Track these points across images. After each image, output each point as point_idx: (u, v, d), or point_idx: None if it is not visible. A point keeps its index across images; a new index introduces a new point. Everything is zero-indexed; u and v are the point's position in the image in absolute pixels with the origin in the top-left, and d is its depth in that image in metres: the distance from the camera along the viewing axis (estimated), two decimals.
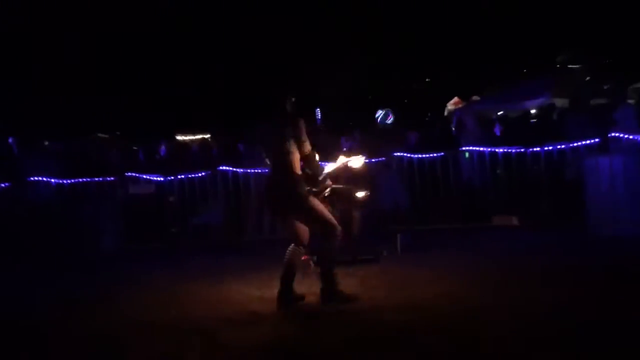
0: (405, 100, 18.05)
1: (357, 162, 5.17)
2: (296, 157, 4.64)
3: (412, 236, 7.45)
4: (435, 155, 9.09)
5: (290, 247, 4.81)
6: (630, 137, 7.89)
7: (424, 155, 9.13)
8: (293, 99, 4.84)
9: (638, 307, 4.16)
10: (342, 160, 5.13)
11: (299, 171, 4.65)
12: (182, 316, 4.64)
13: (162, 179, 9.27)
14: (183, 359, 3.64)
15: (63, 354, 3.94)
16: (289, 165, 4.61)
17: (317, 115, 5.12)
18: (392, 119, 10.22)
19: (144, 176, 9.26)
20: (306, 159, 4.70)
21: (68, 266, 7.55)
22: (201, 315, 4.62)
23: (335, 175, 5.12)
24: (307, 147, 4.68)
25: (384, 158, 9.25)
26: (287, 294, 4.72)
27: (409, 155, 9.23)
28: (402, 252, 6.95)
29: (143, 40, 15.65)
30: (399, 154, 9.23)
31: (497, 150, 8.91)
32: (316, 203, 4.69)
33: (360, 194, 5.49)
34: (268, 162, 4.83)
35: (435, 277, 5.49)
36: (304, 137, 4.66)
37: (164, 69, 16.16)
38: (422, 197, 9.01)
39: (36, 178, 8.65)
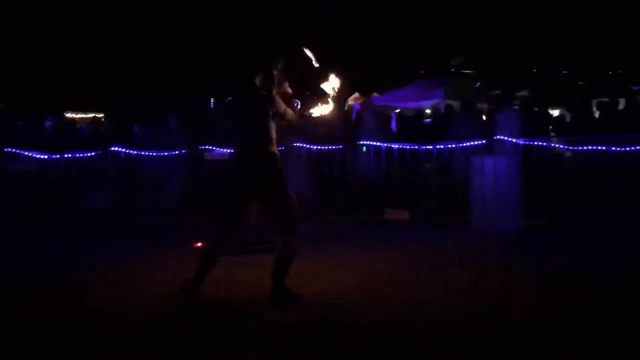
0: (308, 93, 18.20)
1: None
2: (274, 133, 4.44)
3: (311, 227, 7.53)
4: (334, 147, 9.22)
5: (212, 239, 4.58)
6: (513, 140, 8.45)
7: (323, 147, 9.23)
8: (267, 72, 4.58)
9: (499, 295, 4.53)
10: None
11: (276, 150, 4.47)
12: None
13: (46, 156, 8.66)
14: None
15: None
16: (271, 144, 4.40)
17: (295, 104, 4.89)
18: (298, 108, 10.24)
19: (26, 153, 8.61)
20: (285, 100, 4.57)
21: None
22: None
23: None
24: (289, 114, 4.57)
25: (283, 147, 9.24)
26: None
27: (308, 145, 9.29)
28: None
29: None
30: (298, 144, 9.26)
31: (392, 146, 9.19)
32: (292, 195, 4.48)
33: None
34: (238, 139, 4.53)
35: (328, 268, 5.60)
36: (282, 107, 4.51)
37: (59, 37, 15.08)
38: (321, 189, 9.12)
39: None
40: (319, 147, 9.22)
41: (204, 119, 9.93)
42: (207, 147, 9.10)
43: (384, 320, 3.99)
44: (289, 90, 4.77)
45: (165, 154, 9.05)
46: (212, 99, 11.43)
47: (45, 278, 5.39)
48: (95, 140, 9.19)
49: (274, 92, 4.52)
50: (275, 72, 4.62)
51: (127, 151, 8.94)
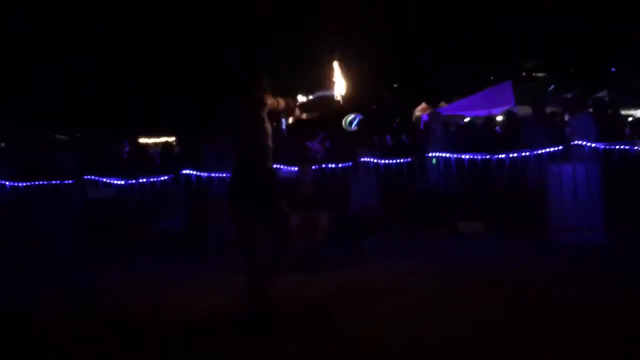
0: (374, 106, 18.07)
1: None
2: (267, 148, 4.31)
3: (379, 242, 7.40)
4: (402, 160, 9.06)
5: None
6: (592, 145, 7.99)
7: (391, 161, 9.09)
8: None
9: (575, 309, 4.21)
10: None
11: (270, 165, 4.35)
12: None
13: (122, 182, 9.01)
14: None
15: None
16: (265, 163, 4.29)
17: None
18: (359, 124, 10.15)
19: (104, 179, 8.98)
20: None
21: (19, 269, 7.31)
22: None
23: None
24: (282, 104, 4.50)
25: (351, 163, 9.18)
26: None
27: (376, 160, 9.18)
28: (369, 258, 6.88)
29: (105, 39, 15.29)
30: (366, 159, 9.17)
31: (463, 156, 8.92)
32: (287, 213, 4.37)
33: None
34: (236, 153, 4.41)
35: (401, 285, 5.45)
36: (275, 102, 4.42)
37: (129, 69, 15.80)
38: (390, 203, 8.96)
39: None
40: (387, 161, 9.09)
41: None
42: (275, 166, 9.17)
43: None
44: (303, 116, 4.74)
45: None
46: (283, 119, 11.48)
47: (118, 295, 5.53)
48: (168, 164, 9.45)
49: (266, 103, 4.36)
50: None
51: (198, 174, 9.14)
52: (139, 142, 13.16)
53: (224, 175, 9.14)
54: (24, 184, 8.51)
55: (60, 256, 8.18)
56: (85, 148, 9.86)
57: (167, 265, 7.26)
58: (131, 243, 8.69)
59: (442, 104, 14.89)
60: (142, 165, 9.44)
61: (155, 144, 13.38)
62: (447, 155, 9.00)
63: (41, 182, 8.53)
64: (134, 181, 9.02)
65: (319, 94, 4.91)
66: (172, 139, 13.73)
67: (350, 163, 9.20)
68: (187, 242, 8.75)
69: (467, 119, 12.60)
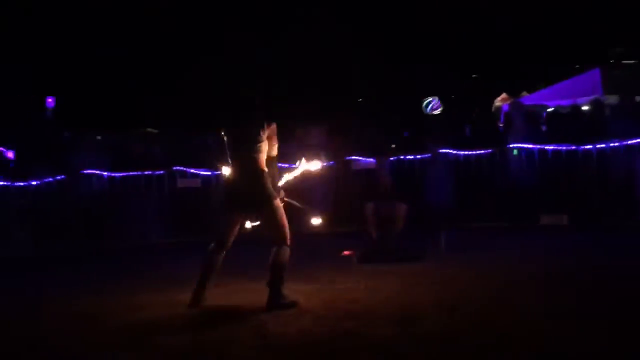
0: (452, 96, 17.78)
1: (314, 165, 5.14)
2: (264, 156, 4.64)
3: (457, 234, 7.37)
4: (482, 152, 8.95)
5: (210, 247, 4.73)
6: None
7: (470, 152, 9.00)
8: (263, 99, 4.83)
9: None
10: (302, 166, 5.07)
11: (266, 169, 4.65)
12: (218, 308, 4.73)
13: (209, 173, 9.44)
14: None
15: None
16: (259, 163, 4.59)
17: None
18: (440, 108, 10.07)
19: (191, 170, 9.45)
20: (269, 163, 4.71)
21: (114, 257, 7.83)
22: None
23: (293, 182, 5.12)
24: (275, 150, 4.75)
25: (429, 154, 9.16)
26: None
27: (455, 152, 9.11)
28: (446, 250, 6.87)
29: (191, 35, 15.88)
30: (444, 150, 9.12)
31: (546, 147, 8.70)
32: (280, 206, 4.65)
33: (316, 221, 5.29)
34: (229, 159, 4.75)
35: (477, 278, 5.43)
36: (275, 139, 4.71)
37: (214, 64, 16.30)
38: (468, 195, 8.88)
39: (89, 171, 8.95)
40: (466, 153, 9.01)
41: (348, 130, 10.15)
42: (353, 157, 9.33)
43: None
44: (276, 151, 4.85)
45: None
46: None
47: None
48: None
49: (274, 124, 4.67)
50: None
51: (283, 165, 9.41)
52: (222, 135, 13.66)
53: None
54: (120, 175, 9.09)
55: (152, 243, 8.71)
56: (174, 141, 10.37)
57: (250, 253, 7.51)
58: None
59: (524, 93, 14.43)
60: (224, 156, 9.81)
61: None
62: (530, 146, 8.81)
63: (135, 173, 9.09)
64: (218, 172, 9.41)
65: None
66: None
67: (429, 155, 9.19)
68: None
69: (550, 109, 12.19)
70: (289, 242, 4.64)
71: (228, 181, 4.90)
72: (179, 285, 5.24)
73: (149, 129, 13.49)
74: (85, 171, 8.94)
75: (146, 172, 9.23)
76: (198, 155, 9.90)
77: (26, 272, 7.10)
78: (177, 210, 9.22)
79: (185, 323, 4.29)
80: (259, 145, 4.62)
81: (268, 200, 4.58)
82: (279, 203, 4.67)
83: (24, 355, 3.79)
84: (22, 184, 8.63)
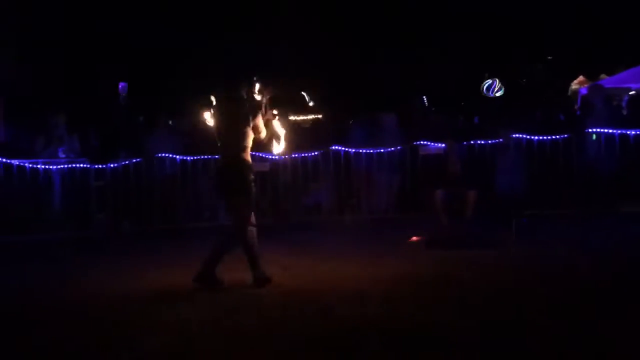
0: (524, 80, 17.15)
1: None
2: (249, 141, 4.82)
3: (530, 222, 7.12)
4: (558, 137, 8.58)
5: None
6: None
7: (545, 137, 8.65)
8: (253, 82, 4.99)
9: None
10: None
11: (249, 158, 4.85)
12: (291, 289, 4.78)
13: (276, 157, 9.52)
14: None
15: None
16: (243, 150, 4.78)
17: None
18: (501, 90, 9.73)
19: (259, 154, 9.56)
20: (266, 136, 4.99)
21: (186, 237, 8.07)
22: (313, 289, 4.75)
23: None
24: (263, 134, 4.95)
25: (501, 139, 8.87)
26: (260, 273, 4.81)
27: (528, 136, 8.78)
28: (518, 238, 6.66)
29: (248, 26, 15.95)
30: (517, 135, 8.81)
31: (628, 132, 8.24)
32: (251, 200, 4.84)
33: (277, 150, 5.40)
34: (219, 143, 4.93)
35: (545, 267, 5.23)
36: (261, 124, 4.89)
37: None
38: (542, 181, 8.54)
39: (163, 154, 9.23)
40: (540, 138, 8.67)
41: (419, 115, 9.99)
42: (421, 142, 9.18)
43: None
44: (274, 115, 5.08)
45: (382, 150, 9.34)
46: (424, 97, 11.42)
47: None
48: (318, 141, 9.81)
49: (259, 115, 4.86)
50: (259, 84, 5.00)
51: (346, 150, 9.40)
52: (290, 119, 13.76)
53: (371, 151, 9.34)
54: (191, 158, 9.32)
55: (222, 224, 8.90)
56: None
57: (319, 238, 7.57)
58: (284, 216, 9.22)
59: (603, 76, 13.71)
60: (293, 141, 9.87)
61: (304, 121, 13.89)
62: (610, 131, 8.37)
63: (205, 157, 9.28)
64: (286, 156, 9.50)
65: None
66: (319, 116, 14.18)
67: (500, 140, 8.90)
68: (336, 215, 9.08)
69: (632, 92, 11.53)
70: (246, 233, 4.80)
71: (219, 166, 5.11)
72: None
73: None
74: (159, 154, 9.21)
75: (216, 156, 9.39)
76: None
77: (102, 251, 7.42)
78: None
79: (253, 303, 4.37)
80: (245, 130, 4.77)
81: (247, 190, 4.79)
82: (251, 196, 4.85)
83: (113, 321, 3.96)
84: (101, 166, 9.01)
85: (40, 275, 5.97)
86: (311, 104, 4.86)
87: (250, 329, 3.75)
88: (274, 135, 5.17)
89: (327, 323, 3.80)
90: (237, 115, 4.85)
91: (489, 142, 8.97)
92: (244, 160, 4.83)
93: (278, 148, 5.33)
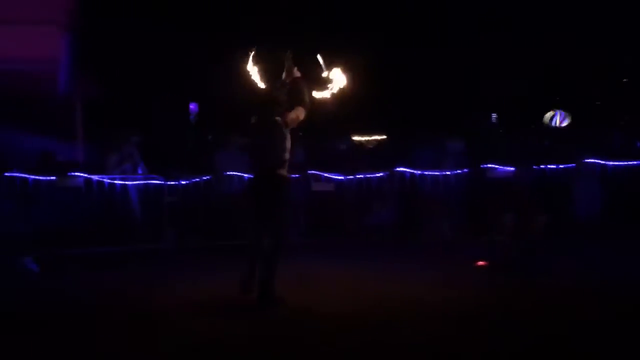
0: (598, 103, 16.53)
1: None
2: (286, 155, 4.84)
3: (602, 250, 6.84)
4: (635, 162, 8.24)
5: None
6: None
7: (621, 163, 8.31)
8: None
9: None
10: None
11: (285, 172, 4.86)
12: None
13: (341, 177, 9.63)
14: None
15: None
16: (280, 164, 4.82)
17: None
18: (566, 121, 9.44)
19: (325, 174, 9.69)
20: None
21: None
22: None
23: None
24: (302, 116, 4.96)
25: (574, 164, 8.60)
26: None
27: (603, 162, 8.47)
28: (587, 267, 6.39)
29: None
30: (591, 160, 8.51)
31: None
32: (287, 215, 4.91)
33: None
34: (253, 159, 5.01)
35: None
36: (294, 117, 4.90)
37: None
38: (622, 208, 8.14)
39: (231, 172, 9.49)
40: (616, 163, 8.35)
41: (486, 137, 9.86)
42: (489, 165, 9.04)
43: None
44: (298, 74, 4.97)
45: (448, 173, 9.26)
46: (493, 115, 11.25)
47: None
48: (382, 162, 9.85)
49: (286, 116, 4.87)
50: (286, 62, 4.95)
51: (411, 171, 9.39)
52: (354, 140, 13.85)
53: (437, 173, 9.27)
54: None
55: (288, 242, 9.03)
56: (309, 145, 10.68)
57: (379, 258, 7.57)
58: (346, 235, 9.27)
59: None
60: (358, 162, 9.97)
61: (368, 142, 13.96)
62: None
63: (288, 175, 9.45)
64: (352, 177, 9.58)
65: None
66: (382, 137, 14.21)
67: (573, 165, 8.65)
68: (400, 236, 9.04)
69: None
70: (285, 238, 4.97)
71: (250, 184, 5.33)
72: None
73: None
74: (227, 172, 9.48)
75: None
76: (332, 161, 10.15)
77: (171, 263, 7.77)
78: (311, 212, 9.52)
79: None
80: (283, 144, 4.82)
81: (278, 206, 4.82)
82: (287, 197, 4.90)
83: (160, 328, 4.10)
84: (173, 182, 9.36)
85: (113, 283, 6.33)
86: (325, 73, 4.78)
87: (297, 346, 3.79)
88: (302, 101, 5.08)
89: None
90: (271, 130, 4.90)
91: (560, 166, 8.71)
92: (281, 175, 4.87)
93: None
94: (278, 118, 4.90)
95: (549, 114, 9.63)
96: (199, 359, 3.75)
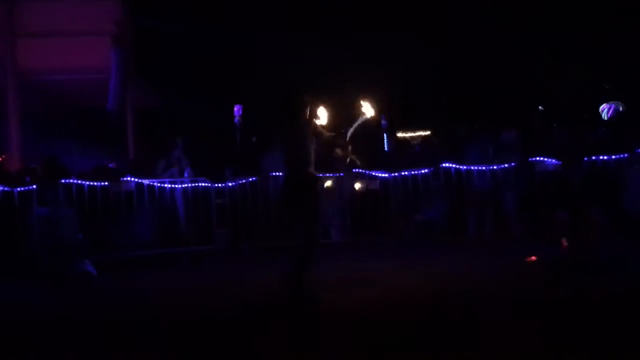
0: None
1: (368, 109, 5.40)
2: (313, 155, 4.96)
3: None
4: None
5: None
6: None
7: None
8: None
9: None
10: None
11: (313, 171, 4.98)
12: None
13: (386, 175, 9.59)
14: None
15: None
16: (308, 164, 4.94)
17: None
18: (616, 112, 9.07)
19: (369, 172, 9.68)
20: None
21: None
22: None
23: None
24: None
25: (626, 154, 8.31)
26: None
27: None
28: None
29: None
30: None
31: None
32: (319, 213, 4.92)
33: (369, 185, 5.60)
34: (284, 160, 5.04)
35: None
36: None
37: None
38: None
39: (276, 173, 9.59)
40: None
41: (536, 130, 9.62)
42: (539, 158, 8.84)
43: None
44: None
45: (494, 167, 9.10)
46: (540, 107, 10.96)
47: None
48: (428, 158, 9.76)
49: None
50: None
51: (457, 167, 9.26)
52: (398, 137, 13.77)
53: (483, 168, 9.12)
54: None
55: (332, 242, 9.09)
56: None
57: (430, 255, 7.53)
58: (395, 234, 9.24)
59: None
60: (404, 159, 9.92)
61: (412, 138, 13.82)
62: None
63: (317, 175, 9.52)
64: (396, 174, 9.53)
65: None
66: (427, 132, 14.04)
67: (626, 154, 8.35)
68: (448, 233, 8.95)
69: None
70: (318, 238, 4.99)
71: (282, 185, 5.22)
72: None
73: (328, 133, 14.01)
74: (273, 173, 9.59)
75: (327, 174, 9.63)
76: (376, 159, 10.12)
77: (224, 263, 7.97)
78: (356, 211, 9.52)
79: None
80: (308, 143, 4.93)
81: (312, 206, 4.91)
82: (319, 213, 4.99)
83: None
84: (220, 185, 9.54)
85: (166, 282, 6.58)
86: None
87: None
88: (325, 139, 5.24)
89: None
90: (298, 130, 5.01)
91: (613, 157, 8.43)
92: (311, 174, 4.98)
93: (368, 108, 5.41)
94: (307, 118, 5.06)
95: (603, 107, 9.29)
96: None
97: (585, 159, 8.33)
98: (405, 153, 10.58)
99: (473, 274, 6.08)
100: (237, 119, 11.42)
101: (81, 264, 7.30)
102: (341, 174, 9.64)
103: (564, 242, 6.73)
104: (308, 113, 5.09)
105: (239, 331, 4.40)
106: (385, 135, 12.52)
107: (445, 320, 4.30)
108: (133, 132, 12.64)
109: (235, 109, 11.58)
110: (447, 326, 4.12)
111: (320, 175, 9.47)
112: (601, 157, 8.43)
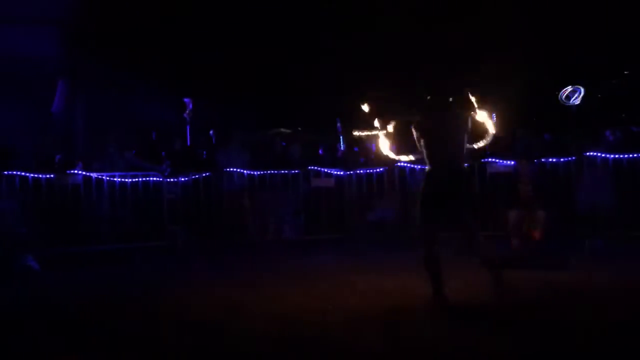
0: (599, 95, 16.33)
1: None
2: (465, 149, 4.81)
3: (606, 243, 6.81)
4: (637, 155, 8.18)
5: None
6: None
7: (624, 155, 8.25)
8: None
9: None
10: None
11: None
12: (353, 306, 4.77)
13: (341, 173, 9.58)
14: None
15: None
16: (464, 158, 4.78)
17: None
18: (578, 99, 9.25)
19: (325, 170, 9.65)
20: None
21: (254, 250, 8.22)
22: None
23: None
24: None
25: (573, 157, 8.55)
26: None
27: (604, 155, 8.41)
28: (594, 260, 6.38)
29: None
30: (592, 153, 8.46)
31: None
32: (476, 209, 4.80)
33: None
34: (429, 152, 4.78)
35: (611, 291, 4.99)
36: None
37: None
38: (628, 202, 8.06)
39: (231, 169, 9.45)
40: (617, 156, 8.29)
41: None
42: (490, 160, 8.99)
43: None
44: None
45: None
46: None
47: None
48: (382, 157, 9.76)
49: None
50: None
51: (410, 166, 9.32)
52: (353, 135, 13.75)
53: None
54: (258, 173, 9.50)
55: (287, 240, 9.03)
56: (308, 141, 10.63)
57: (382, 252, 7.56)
58: (347, 231, 9.23)
59: None
60: (357, 157, 9.92)
61: (367, 137, 13.84)
62: None
63: (272, 172, 9.45)
64: (351, 172, 9.54)
65: None
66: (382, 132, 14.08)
67: (573, 158, 8.58)
68: (400, 232, 9.00)
69: None
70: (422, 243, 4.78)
71: (433, 177, 4.82)
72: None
73: (283, 129, 13.93)
74: (227, 169, 9.44)
75: (282, 171, 9.56)
76: (331, 156, 10.10)
77: (177, 261, 7.86)
78: (310, 209, 9.47)
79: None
80: (464, 137, 4.77)
81: (473, 202, 4.83)
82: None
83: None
84: (172, 179, 9.32)
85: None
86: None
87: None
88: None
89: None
90: (456, 123, 4.82)
91: (562, 159, 8.67)
92: (467, 171, 4.94)
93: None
94: (468, 113, 4.93)
95: (567, 89, 9.38)
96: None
97: (536, 160, 8.52)
98: (360, 152, 10.59)
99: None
100: (186, 113, 11.21)
101: (23, 258, 7.02)
102: (296, 171, 9.57)
103: (514, 242, 6.86)
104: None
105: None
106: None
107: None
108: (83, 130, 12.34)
109: (186, 101, 11.37)
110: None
111: (275, 172, 9.51)
112: (550, 160, 8.66)
